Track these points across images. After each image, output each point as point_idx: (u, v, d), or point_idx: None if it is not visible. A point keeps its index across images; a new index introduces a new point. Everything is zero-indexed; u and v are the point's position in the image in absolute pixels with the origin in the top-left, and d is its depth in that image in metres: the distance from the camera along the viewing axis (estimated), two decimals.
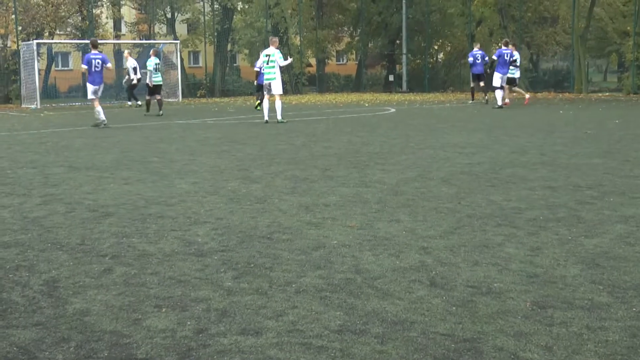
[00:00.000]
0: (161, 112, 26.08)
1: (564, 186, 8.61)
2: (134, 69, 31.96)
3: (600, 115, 21.52)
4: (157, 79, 27.41)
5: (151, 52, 28.36)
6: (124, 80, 31.84)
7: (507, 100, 26.97)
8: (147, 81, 27.55)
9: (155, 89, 27.06)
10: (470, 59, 29.68)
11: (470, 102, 30.81)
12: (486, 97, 29.80)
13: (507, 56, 26.57)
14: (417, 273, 5.02)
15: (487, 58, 29.36)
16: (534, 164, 10.61)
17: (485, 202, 7.66)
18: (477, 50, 29.73)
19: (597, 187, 8.49)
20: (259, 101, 26.37)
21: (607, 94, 40.80)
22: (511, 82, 27.39)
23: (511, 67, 27.04)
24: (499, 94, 26.51)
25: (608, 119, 19.98)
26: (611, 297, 4.44)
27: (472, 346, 3.67)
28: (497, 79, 26.58)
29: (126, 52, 33.54)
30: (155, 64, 27.36)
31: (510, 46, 27.64)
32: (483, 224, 6.61)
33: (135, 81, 32.32)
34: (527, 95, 28.45)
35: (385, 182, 9.08)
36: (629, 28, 41.09)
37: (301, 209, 7.47)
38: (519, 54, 27.20)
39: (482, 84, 29.71)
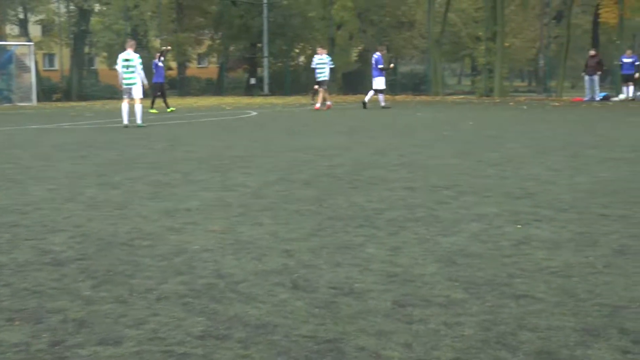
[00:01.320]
0: None
1: (422, 187, 8.85)
2: None
3: (455, 118, 22.32)
4: None
5: None
6: None
7: (328, 103, 28.41)
8: None
9: None
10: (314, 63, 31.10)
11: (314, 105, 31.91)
12: (313, 100, 31.55)
13: (372, 60, 28.51)
14: (280, 276, 5.03)
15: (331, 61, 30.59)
16: (394, 166, 10.87)
17: (347, 204, 7.77)
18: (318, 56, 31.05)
19: (453, 187, 8.77)
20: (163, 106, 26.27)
21: (461, 96, 42.37)
22: (320, 83, 28.94)
23: (318, 70, 28.60)
24: (380, 96, 28.01)
25: (462, 121, 20.74)
26: (466, 293, 4.58)
27: (335, 347, 3.71)
28: (378, 83, 28.45)
29: None
30: None
31: (319, 50, 29.41)
32: (345, 225, 6.69)
33: None
34: (328, 103, 29.27)
35: (247, 186, 9.07)
36: (480, 33, 42.80)
37: (162, 214, 7.35)
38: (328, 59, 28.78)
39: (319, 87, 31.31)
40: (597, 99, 32.97)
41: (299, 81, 48.96)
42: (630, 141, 14.22)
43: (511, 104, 32.09)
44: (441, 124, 19.65)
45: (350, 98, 29.25)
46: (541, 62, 46.40)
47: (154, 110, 27.54)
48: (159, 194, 8.56)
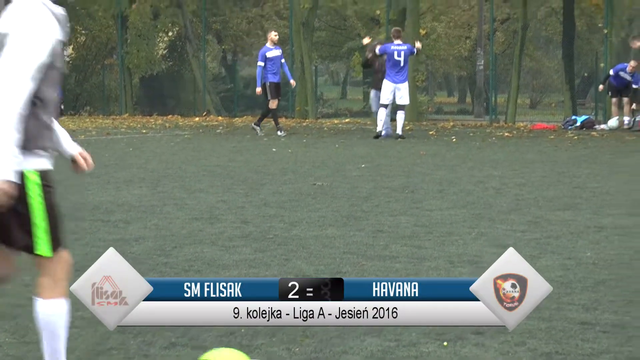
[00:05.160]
0: None
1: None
2: None
3: (337, 156, 15.80)
4: None
5: None
6: None
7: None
8: None
9: None
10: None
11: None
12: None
13: (390, 50, 18.99)
14: None
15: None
16: (232, 239, 7.43)
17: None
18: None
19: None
20: None
21: (347, 120, 28.07)
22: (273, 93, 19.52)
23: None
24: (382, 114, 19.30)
25: (349, 161, 14.64)
26: None
27: None
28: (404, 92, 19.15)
29: None
30: None
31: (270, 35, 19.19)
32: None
33: None
34: None
35: None
36: (378, 12, 29.38)
37: None
38: None
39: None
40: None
41: (65, 90, 31.06)
42: (627, 198, 10.26)
43: (431, 133, 22.29)
44: (313, 166, 13.84)
45: (152, 121, 23.69)
46: (480, 63, 32.20)
47: None
48: None
